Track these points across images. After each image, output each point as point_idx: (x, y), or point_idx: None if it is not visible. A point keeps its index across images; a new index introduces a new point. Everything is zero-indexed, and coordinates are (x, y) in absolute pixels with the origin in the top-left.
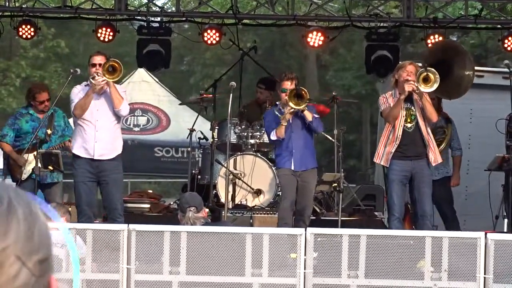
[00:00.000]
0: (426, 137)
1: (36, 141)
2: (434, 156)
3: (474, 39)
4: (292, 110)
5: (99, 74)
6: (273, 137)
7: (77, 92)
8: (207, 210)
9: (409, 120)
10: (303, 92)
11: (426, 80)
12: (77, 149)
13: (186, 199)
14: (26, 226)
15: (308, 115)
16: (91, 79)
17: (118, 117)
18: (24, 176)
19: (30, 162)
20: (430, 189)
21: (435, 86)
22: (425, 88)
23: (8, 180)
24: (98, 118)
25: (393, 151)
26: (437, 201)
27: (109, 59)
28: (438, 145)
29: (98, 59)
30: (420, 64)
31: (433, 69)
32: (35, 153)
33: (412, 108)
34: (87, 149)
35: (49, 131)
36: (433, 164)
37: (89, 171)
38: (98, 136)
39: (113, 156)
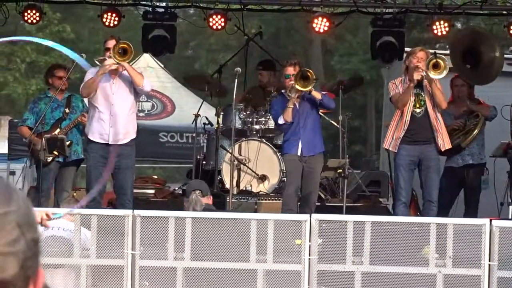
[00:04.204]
0: (434, 122)
1: (53, 121)
2: (443, 141)
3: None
4: (299, 93)
5: (110, 57)
6: (281, 121)
7: (89, 74)
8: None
9: (418, 106)
10: (308, 74)
11: (436, 66)
12: (92, 134)
13: (191, 184)
14: (25, 202)
15: (317, 94)
16: (96, 61)
17: (133, 101)
18: (49, 159)
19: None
20: (438, 175)
21: (445, 73)
22: (434, 75)
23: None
24: (113, 102)
25: (401, 136)
26: (468, 187)
27: (119, 41)
28: (472, 130)
29: (112, 43)
30: (431, 51)
31: (443, 56)
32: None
33: (422, 93)
34: (102, 134)
35: (67, 110)
36: (442, 150)
37: (102, 156)
38: (113, 121)
39: (127, 141)
